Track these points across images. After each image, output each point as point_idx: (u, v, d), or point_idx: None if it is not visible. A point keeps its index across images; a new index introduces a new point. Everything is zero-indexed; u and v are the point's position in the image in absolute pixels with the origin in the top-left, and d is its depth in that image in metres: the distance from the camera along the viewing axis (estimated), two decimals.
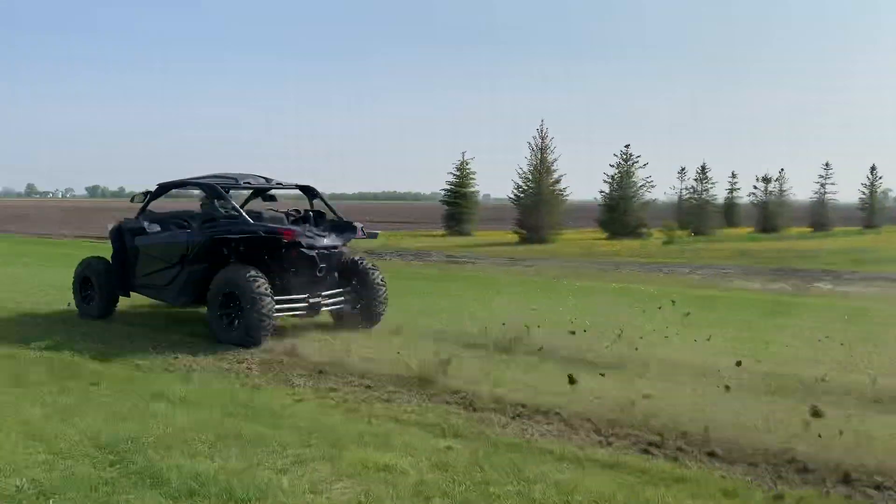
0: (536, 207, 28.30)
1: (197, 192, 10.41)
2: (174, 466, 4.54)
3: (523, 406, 5.88)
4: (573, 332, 7.77)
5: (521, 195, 29.49)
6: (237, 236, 8.69)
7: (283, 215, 9.69)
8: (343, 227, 9.59)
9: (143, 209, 10.13)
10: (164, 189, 10.30)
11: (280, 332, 8.74)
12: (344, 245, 9.51)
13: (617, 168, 31.91)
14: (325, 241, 8.98)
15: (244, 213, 9.08)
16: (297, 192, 10.58)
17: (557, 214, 29.21)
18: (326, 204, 10.35)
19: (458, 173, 34.46)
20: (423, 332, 8.87)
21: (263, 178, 10.25)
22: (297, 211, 10.07)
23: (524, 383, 6.53)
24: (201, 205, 10.04)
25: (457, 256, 21.26)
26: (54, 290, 11.78)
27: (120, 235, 9.92)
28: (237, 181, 9.85)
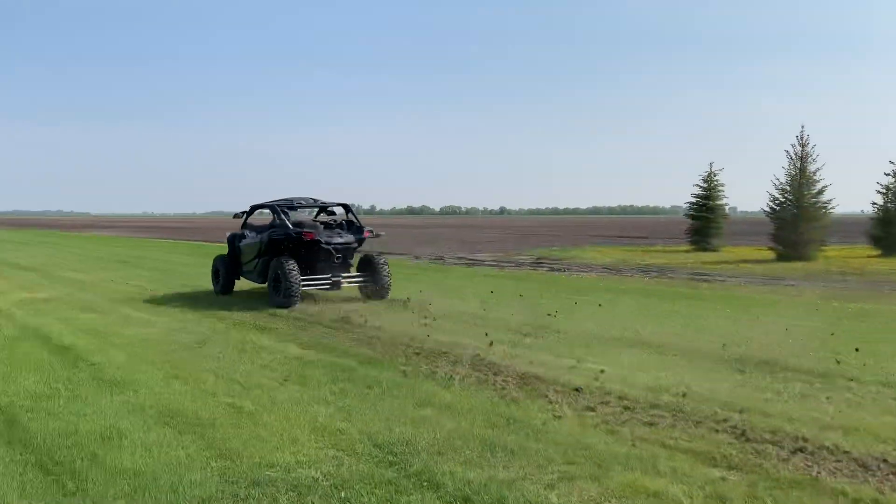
0: (795, 221, 25.85)
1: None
2: (448, 472, 4.76)
3: (805, 440, 5.35)
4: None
5: (777, 208, 27.06)
6: (281, 237, 12.99)
7: (318, 223, 13.84)
8: (358, 230, 13.68)
9: (245, 222, 14.81)
10: (253, 209, 14.76)
11: (534, 350, 8.85)
12: (356, 242, 13.52)
13: (894, 176, 28.09)
14: (339, 240, 13.14)
15: (287, 222, 13.12)
16: (341, 207, 14.74)
17: (820, 229, 26.40)
18: (354, 216, 14.31)
19: (704, 185, 32.66)
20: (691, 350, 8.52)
21: (312, 199, 14.64)
22: (334, 220, 14.19)
23: (807, 416, 5.96)
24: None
25: (705, 273, 20.07)
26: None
27: (232, 240, 14.69)
28: (292, 202, 14.10)
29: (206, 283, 16.09)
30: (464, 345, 9.02)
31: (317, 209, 14.96)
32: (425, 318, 11.14)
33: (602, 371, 7.53)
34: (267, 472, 4.83)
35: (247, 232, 14.37)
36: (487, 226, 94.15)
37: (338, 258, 13.05)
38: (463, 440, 5.43)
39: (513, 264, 24.38)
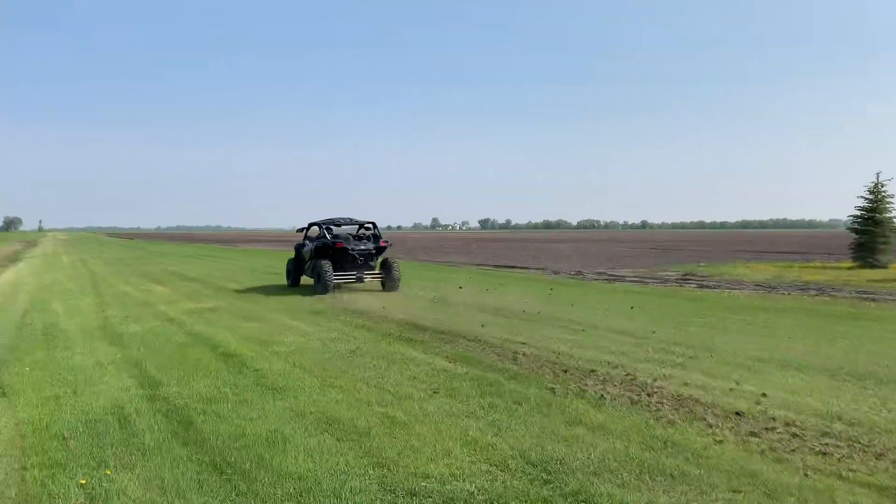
0: None
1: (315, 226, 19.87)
2: (605, 493, 4.64)
3: None
4: None
5: None
6: (322, 246, 17.93)
7: (350, 235, 18.85)
8: (377, 240, 18.66)
9: (305, 235, 19.94)
10: (310, 225, 19.84)
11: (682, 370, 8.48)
12: (375, 249, 18.38)
13: None
14: (361, 247, 18.13)
15: (328, 235, 18.09)
16: (371, 223, 19.78)
17: None
18: (377, 231, 19.34)
19: (870, 196, 30.10)
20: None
21: (350, 218, 19.33)
22: (366, 231, 19.49)
23: None
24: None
25: (872, 292, 18.48)
26: None
27: (297, 248, 19.80)
28: (334, 220, 18.88)
29: (353, 294, 16.69)
30: (611, 363, 8.80)
31: (358, 226, 19.78)
32: (568, 334, 10.99)
33: (764, 395, 7.10)
34: (423, 483, 4.91)
35: (306, 242, 19.38)
36: (628, 240, 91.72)
37: (360, 260, 18.08)
38: (618, 462, 5.28)
39: (657, 280, 23.57)
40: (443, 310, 14.37)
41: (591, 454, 5.45)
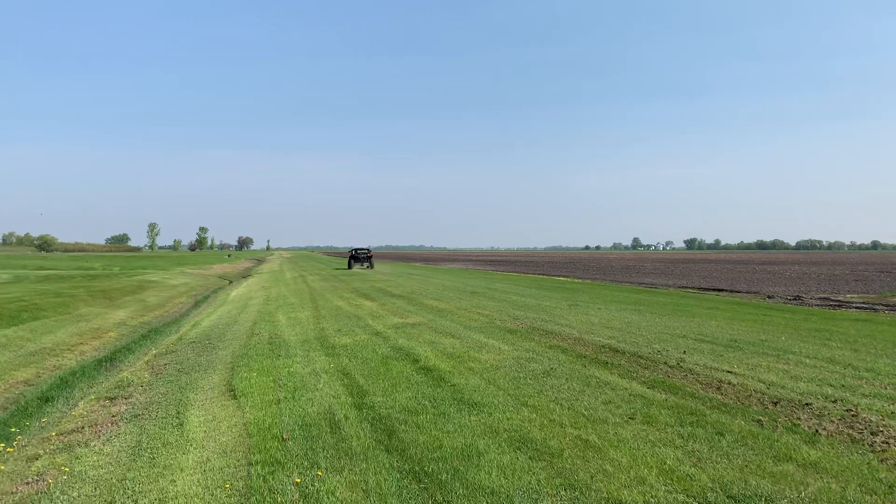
0: None
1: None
2: None
3: None
4: None
5: None
6: (351, 254, 57.68)
7: (356, 250, 57.49)
8: (367, 252, 57.42)
9: (351, 250, 58.39)
10: (352, 249, 58.48)
11: None
12: (367, 256, 56.59)
13: None
14: (363, 254, 57.01)
15: (354, 249, 58.10)
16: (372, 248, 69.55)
17: None
18: (369, 251, 57.37)
19: None
20: None
21: (367, 247, 62.94)
22: (365, 250, 57.63)
23: None
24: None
25: None
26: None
27: (350, 254, 57.69)
28: (357, 248, 58.63)
29: (557, 317, 16.71)
30: (829, 396, 8.05)
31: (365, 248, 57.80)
32: (780, 363, 10.21)
33: None
34: None
35: (353, 252, 56.69)
36: (855, 262, 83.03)
37: (360, 260, 55.91)
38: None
39: (889, 308, 21.12)
40: (641, 334, 13.95)
41: (801, 493, 5.04)
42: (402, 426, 7.07)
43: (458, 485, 5.38)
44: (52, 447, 7.29)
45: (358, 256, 55.36)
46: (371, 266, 54.54)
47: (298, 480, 5.59)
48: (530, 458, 5.99)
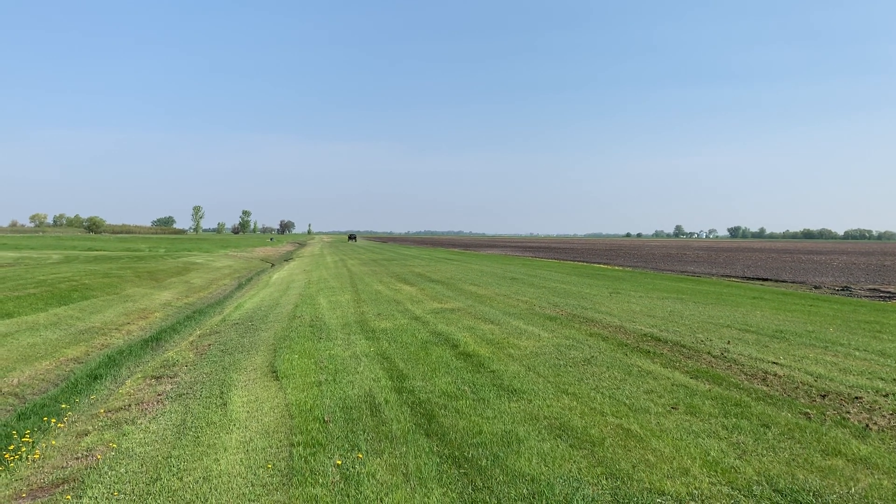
0: None
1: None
2: None
3: None
4: None
5: None
6: (349, 236, 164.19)
7: (351, 233, 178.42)
8: (352, 234, 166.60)
9: (350, 233, 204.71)
10: (349, 233, 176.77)
11: None
12: (352, 237, 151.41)
13: None
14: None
15: (352, 233, 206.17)
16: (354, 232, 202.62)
17: None
18: (354, 236, 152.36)
19: None
20: None
21: (354, 231, 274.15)
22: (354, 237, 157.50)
23: None
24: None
25: None
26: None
27: (349, 236, 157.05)
28: (351, 231, 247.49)
29: (598, 304, 16.55)
30: (880, 390, 7.83)
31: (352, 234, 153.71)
32: (829, 356, 9.96)
33: None
34: (658, 500, 4.76)
35: (350, 234, 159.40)
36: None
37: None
38: (884, 501, 4.70)
39: None
40: (683, 323, 13.74)
41: (850, 489, 4.91)
42: (442, 411, 7.08)
43: (497, 471, 5.37)
44: (100, 424, 7.49)
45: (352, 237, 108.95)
46: (356, 241, 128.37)
47: (339, 462, 5.64)
48: (571, 445, 5.95)
